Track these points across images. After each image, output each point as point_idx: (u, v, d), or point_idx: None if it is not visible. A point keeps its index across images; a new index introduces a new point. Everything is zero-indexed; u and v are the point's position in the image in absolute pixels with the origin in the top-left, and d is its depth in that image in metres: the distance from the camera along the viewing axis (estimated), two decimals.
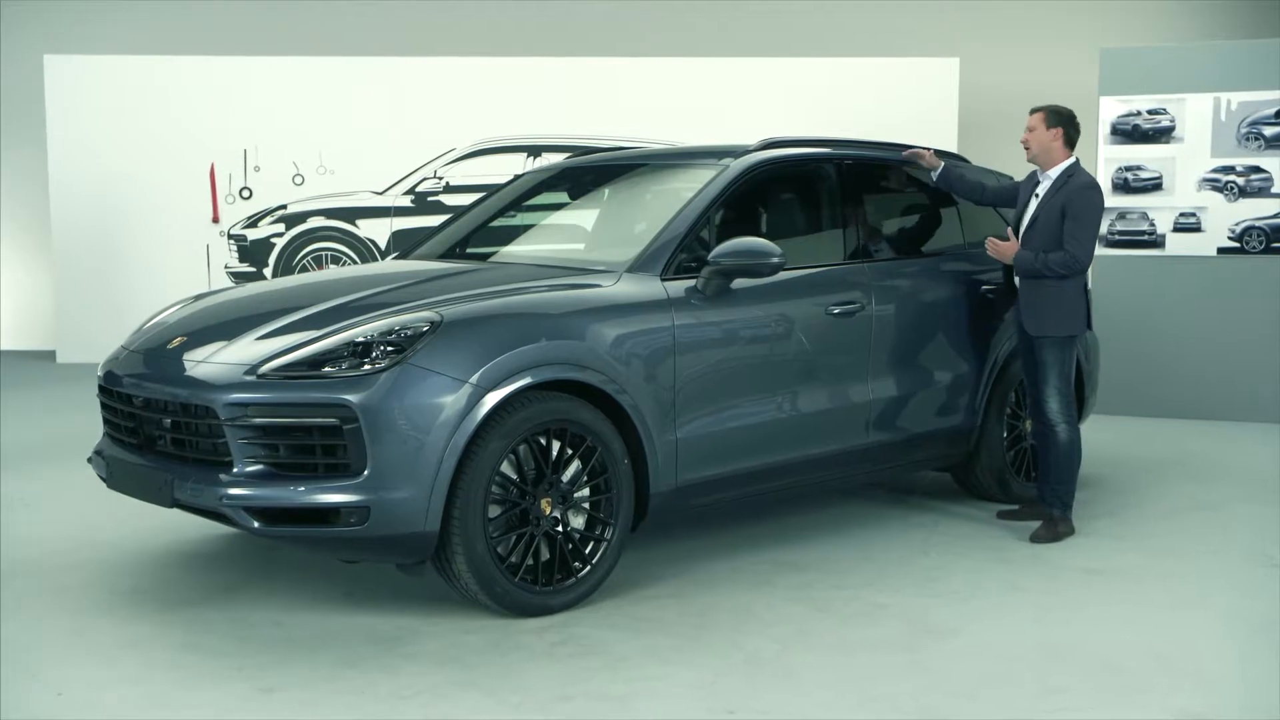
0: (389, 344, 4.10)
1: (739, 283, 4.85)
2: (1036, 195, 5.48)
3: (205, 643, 4.06)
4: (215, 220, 11.87)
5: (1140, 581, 4.82)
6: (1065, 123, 5.44)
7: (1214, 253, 8.64)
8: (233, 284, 11.38)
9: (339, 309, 4.43)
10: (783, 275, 4.95)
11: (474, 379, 4.09)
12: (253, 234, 11.80)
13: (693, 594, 4.60)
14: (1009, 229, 5.59)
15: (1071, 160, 5.44)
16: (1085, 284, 5.44)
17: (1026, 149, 5.49)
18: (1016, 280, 5.51)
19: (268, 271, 11.77)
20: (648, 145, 10.62)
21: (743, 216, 5.41)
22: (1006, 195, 5.80)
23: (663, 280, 4.72)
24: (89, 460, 4.82)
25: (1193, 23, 12.34)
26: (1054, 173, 5.43)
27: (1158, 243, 8.76)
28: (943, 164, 5.82)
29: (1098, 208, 5.37)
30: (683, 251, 4.83)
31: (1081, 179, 5.39)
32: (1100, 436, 7.51)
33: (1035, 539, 5.36)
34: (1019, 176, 6.67)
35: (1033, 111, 5.51)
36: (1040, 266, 5.29)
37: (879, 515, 5.84)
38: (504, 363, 4.16)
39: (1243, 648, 4.12)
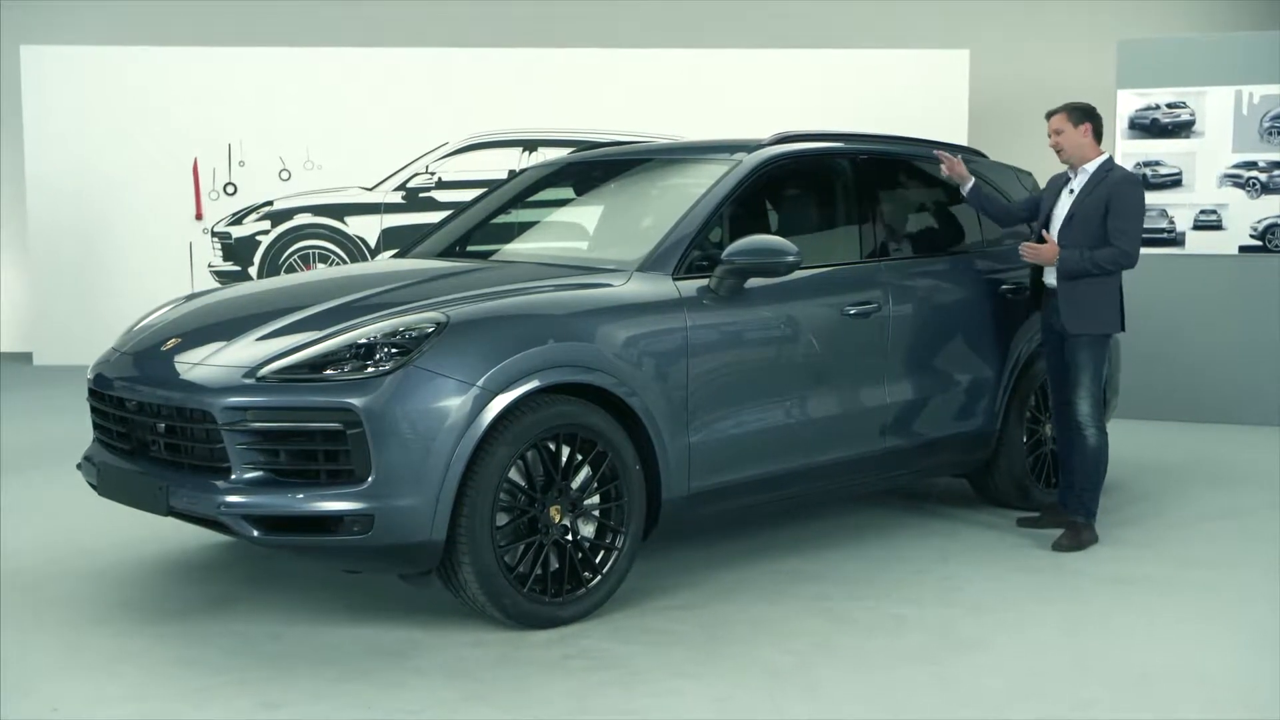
0: (393, 345, 4.08)
1: (753, 282, 4.84)
2: (1071, 191, 5.48)
3: (204, 657, 4.04)
4: (198, 217, 11.85)
5: (1169, 592, 4.82)
6: (1090, 116, 5.48)
7: (1235, 251, 8.66)
8: (218, 283, 11.35)
9: (340, 309, 4.41)
10: (798, 274, 4.93)
11: (481, 382, 4.08)
12: (237, 231, 11.78)
13: (707, 605, 4.59)
14: (1042, 230, 5.55)
15: (1105, 155, 5.47)
16: (1120, 281, 5.45)
17: (1059, 152, 5.48)
18: (1049, 280, 5.50)
19: (253, 270, 11.75)
20: (651, 140, 10.63)
21: (756, 213, 5.42)
22: (1029, 211, 5.80)
23: (674, 280, 4.72)
24: (78, 466, 4.80)
25: (1213, 13, 12.37)
26: (1090, 167, 5.44)
27: (1177, 241, 8.78)
28: (973, 180, 5.74)
29: (1142, 201, 5.43)
30: (695, 250, 4.82)
31: (1121, 173, 5.44)
32: (1121, 441, 7.47)
33: (1058, 547, 5.36)
34: (1037, 173, 6.69)
35: (1051, 114, 5.52)
36: (1089, 265, 5.30)
37: (895, 523, 5.84)
38: (512, 365, 4.15)
39: (1278, 660, 4.12)
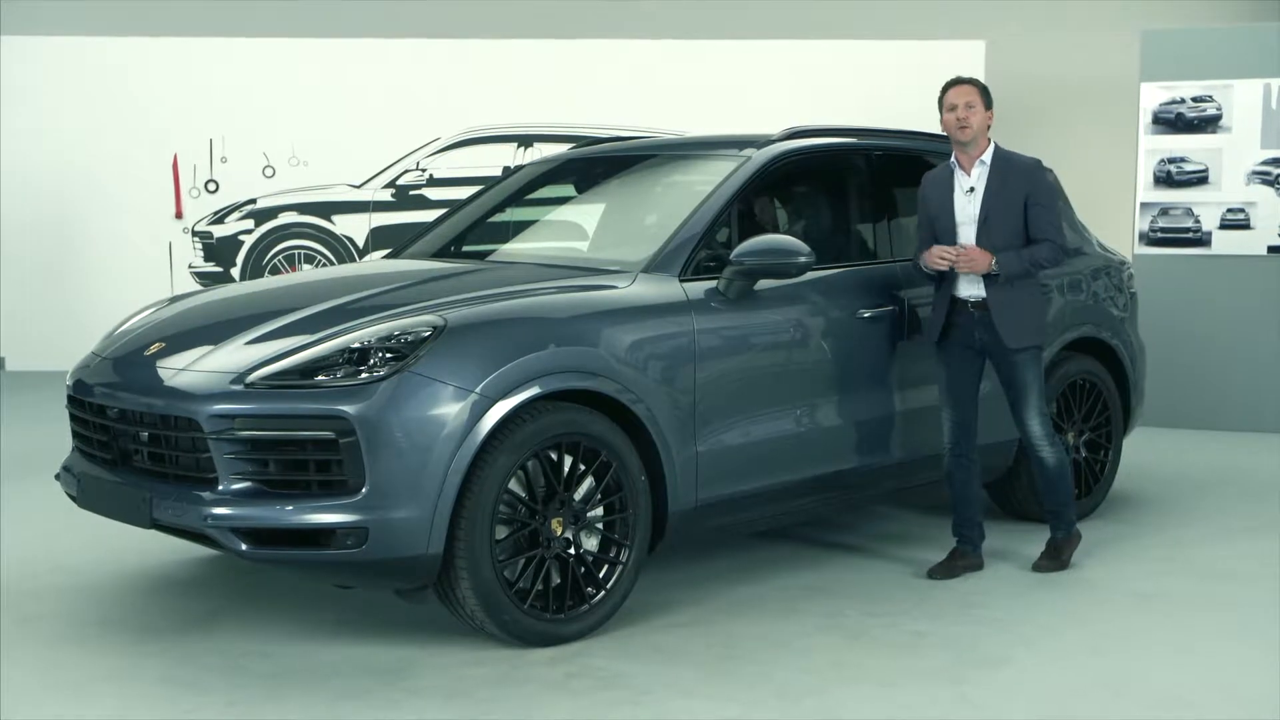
0: (388, 350, 4.08)
1: (763, 284, 4.85)
2: (970, 190, 5.07)
3: (189, 676, 4.04)
4: (178, 216, 11.85)
5: (1197, 607, 4.82)
6: (991, 104, 5.14)
7: (1264, 251, 8.66)
8: (199, 285, 11.35)
9: (333, 312, 4.42)
10: (810, 276, 4.94)
11: (480, 388, 4.07)
12: (219, 231, 11.78)
13: (716, 622, 4.59)
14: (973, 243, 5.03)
15: (993, 143, 5.16)
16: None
17: (963, 129, 5.05)
18: (967, 293, 5.07)
19: (235, 272, 11.75)
20: (655, 135, 10.63)
21: (765, 212, 5.42)
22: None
23: (681, 281, 4.72)
24: (56, 477, 4.80)
25: (1241, 3, 12.39)
26: (987, 159, 5.10)
27: (1203, 241, 8.79)
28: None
29: (1058, 188, 5.15)
30: (702, 250, 4.83)
31: (1024, 160, 5.14)
32: (1142, 450, 7.52)
33: (1039, 569, 5.24)
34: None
35: (956, 83, 5.14)
36: (1029, 265, 5.02)
37: (910, 535, 5.83)
38: (512, 371, 4.14)
39: None
